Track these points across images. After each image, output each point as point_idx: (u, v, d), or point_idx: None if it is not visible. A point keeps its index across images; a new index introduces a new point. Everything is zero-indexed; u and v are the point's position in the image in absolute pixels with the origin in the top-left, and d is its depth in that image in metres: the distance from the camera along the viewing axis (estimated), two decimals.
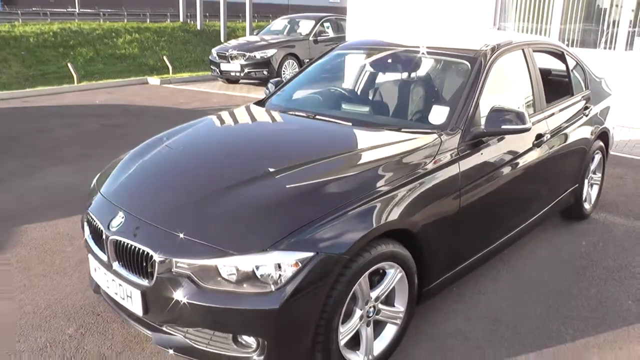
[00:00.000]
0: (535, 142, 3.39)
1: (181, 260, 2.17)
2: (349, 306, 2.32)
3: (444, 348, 2.76)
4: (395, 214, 2.41)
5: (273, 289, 2.08)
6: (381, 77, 3.83)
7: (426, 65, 3.68)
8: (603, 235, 4.19)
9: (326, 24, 13.26)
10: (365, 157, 2.73)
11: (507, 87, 3.49)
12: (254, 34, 13.77)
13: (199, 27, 20.57)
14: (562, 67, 4.24)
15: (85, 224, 2.74)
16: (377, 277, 2.47)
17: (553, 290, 3.35)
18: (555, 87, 4.03)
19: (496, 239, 3.25)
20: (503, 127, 2.89)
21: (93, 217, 2.60)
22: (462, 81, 3.18)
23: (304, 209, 2.27)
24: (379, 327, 2.56)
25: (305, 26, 12.95)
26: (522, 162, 3.28)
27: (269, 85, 4.07)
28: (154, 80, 11.93)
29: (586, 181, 4.29)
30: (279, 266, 2.08)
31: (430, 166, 2.67)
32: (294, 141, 3.15)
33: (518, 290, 3.35)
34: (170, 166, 2.93)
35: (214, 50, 11.93)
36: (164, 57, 14.09)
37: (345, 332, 2.34)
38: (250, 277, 2.11)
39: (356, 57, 4.12)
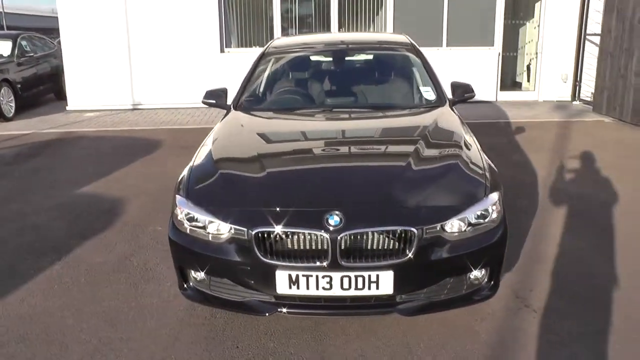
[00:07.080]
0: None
1: (430, 226, 2.54)
2: None
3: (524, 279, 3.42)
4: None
5: (494, 225, 2.68)
6: (344, 71, 4.43)
7: (374, 57, 4.50)
8: None
9: (24, 42, 11.71)
10: (446, 125, 3.51)
11: None
12: None
13: None
14: None
15: (254, 246, 2.53)
16: None
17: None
18: None
19: None
20: (465, 95, 4.04)
21: (291, 232, 2.53)
22: (414, 65, 4.22)
23: (472, 169, 2.93)
24: None
25: (3, 47, 11.17)
26: None
27: (216, 93, 4.08)
28: None
29: None
30: (493, 207, 2.70)
31: (464, 126, 3.59)
32: (372, 127, 3.76)
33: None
34: (315, 162, 3.18)
35: None
36: None
37: None
38: (477, 222, 2.64)
39: (296, 56, 4.51)
